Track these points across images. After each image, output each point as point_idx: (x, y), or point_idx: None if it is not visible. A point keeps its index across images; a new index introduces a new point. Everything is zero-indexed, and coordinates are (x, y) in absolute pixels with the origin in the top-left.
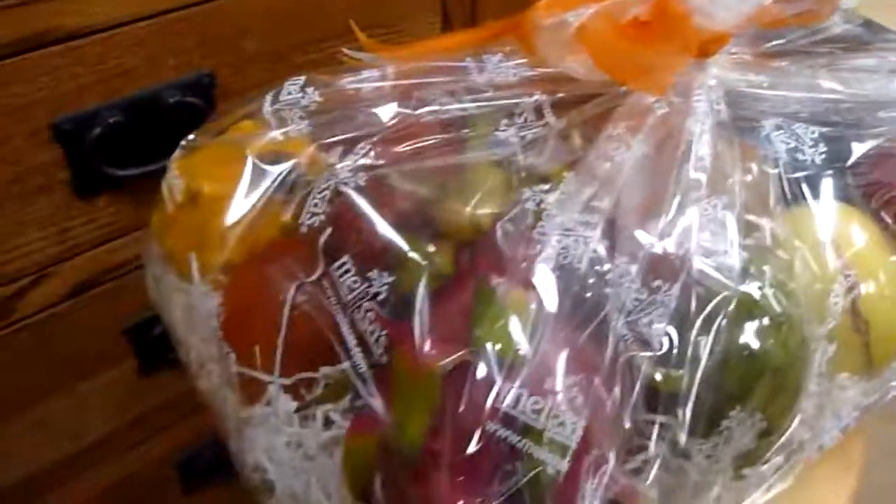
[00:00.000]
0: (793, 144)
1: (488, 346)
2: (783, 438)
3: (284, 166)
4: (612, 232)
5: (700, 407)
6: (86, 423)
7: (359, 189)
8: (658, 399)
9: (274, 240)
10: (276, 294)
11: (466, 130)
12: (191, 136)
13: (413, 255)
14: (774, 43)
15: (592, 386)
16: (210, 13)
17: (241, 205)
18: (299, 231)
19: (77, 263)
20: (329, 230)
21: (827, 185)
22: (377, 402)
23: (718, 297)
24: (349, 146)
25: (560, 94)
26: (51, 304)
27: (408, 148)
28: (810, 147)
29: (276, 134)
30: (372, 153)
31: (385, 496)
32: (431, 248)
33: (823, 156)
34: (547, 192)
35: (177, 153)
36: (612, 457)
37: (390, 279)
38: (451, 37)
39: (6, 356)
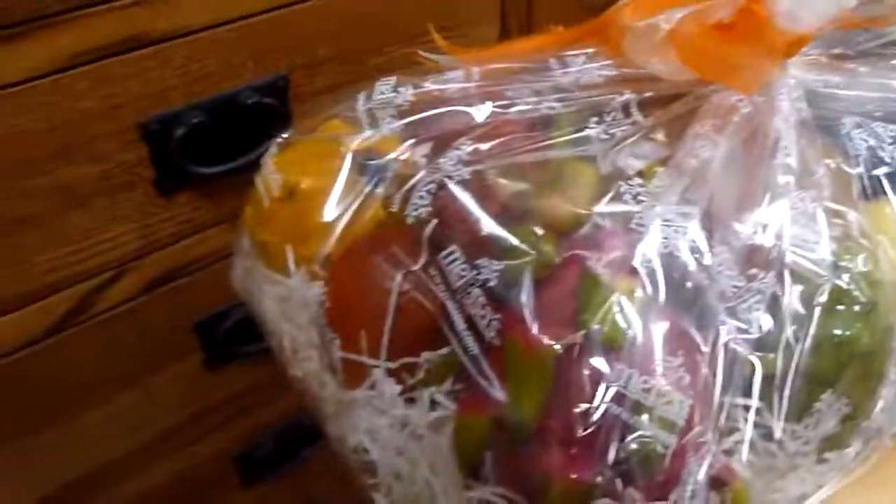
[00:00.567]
0: (873, 142)
1: (596, 328)
2: (864, 423)
3: (381, 162)
4: (707, 223)
5: (793, 391)
6: (153, 416)
7: (463, 183)
8: (753, 383)
9: (376, 231)
10: (382, 282)
11: (555, 129)
12: (284, 134)
13: (521, 244)
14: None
15: (696, 367)
16: (287, 18)
17: (339, 199)
18: (405, 222)
19: (154, 259)
20: (434, 221)
21: None
22: (488, 383)
23: (811, 286)
24: (442, 143)
25: (646, 94)
26: (128, 299)
27: (503, 145)
28: (889, 144)
29: (370, 132)
30: (470, 149)
31: (496, 471)
32: (537, 238)
33: None
34: (641, 185)
35: (272, 150)
36: (711, 436)
37: (499, 267)
38: (528, 40)
39: (85, 350)
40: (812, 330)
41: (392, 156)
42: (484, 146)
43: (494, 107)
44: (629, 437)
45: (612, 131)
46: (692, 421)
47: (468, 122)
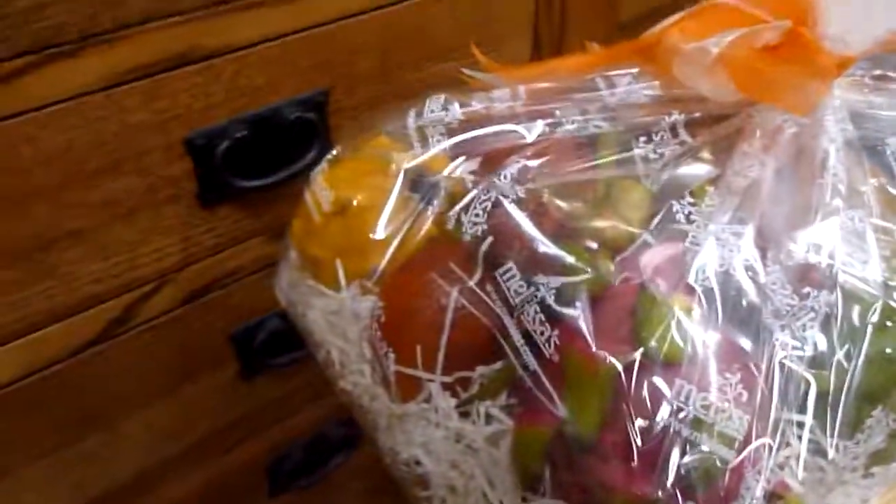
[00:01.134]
0: None
1: (655, 345)
2: None
3: (433, 179)
4: (760, 241)
5: (846, 407)
6: (187, 426)
7: (518, 201)
8: (807, 400)
9: (430, 247)
10: (438, 297)
11: (602, 148)
12: (334, 151)
13: (577, 262)
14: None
15: (753, 383)
16: (328, 34)
17: (391, 216)
18: (461, 240)
19: (194, 270)
20: (490, 239)
21: None
22: (547, 397)
23: (863, 304)
24: (492, 162)
25: (694, 114)
26: (168, 310)
27: (552, 164)
28: None
29: (420, 149)
30: (521, 168)
31: (554, 484)
32: (593, 256)
33: None
34: (693, 204)
35: (322, 166)
36: (768, 452)
37: (556, 284)
38: (571, 58)
39: (125, 360)
40: (864, 347)
41: (444, 174)
42: (534, 164)
43: (550, 126)
44: (689, 453)
45: (660, 150)
46: (750, 437)
47: (517, 140)
